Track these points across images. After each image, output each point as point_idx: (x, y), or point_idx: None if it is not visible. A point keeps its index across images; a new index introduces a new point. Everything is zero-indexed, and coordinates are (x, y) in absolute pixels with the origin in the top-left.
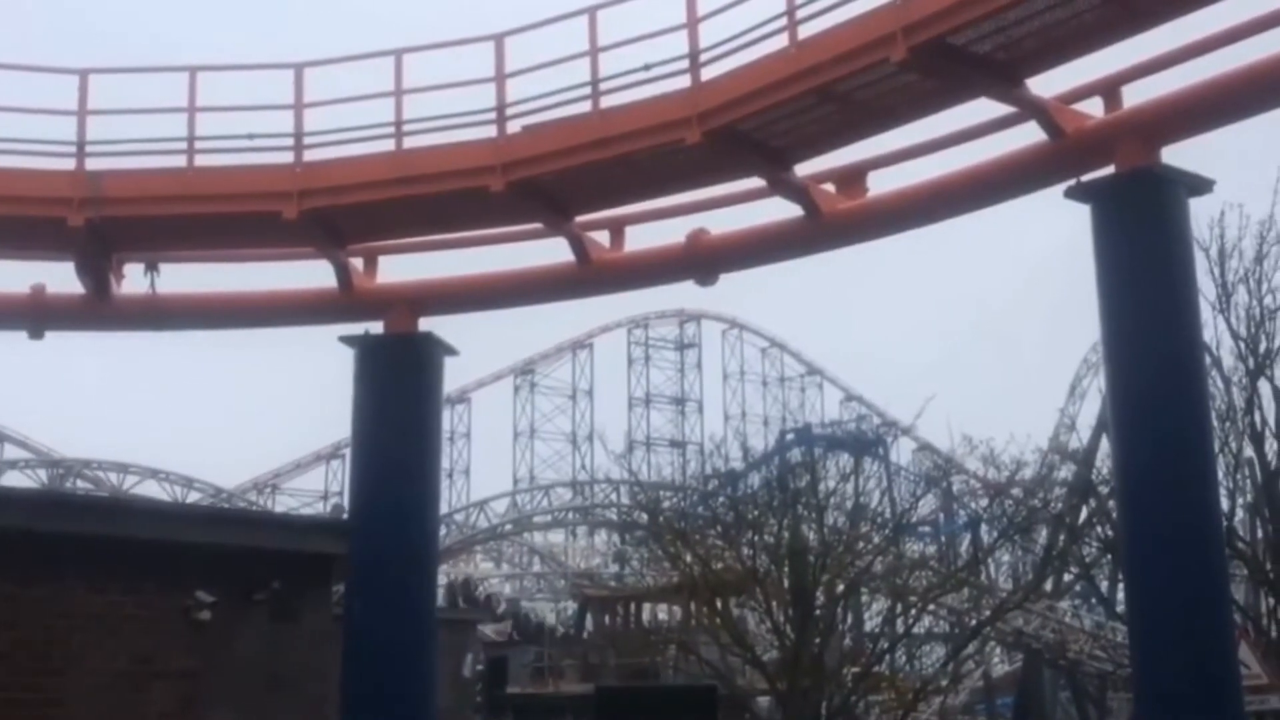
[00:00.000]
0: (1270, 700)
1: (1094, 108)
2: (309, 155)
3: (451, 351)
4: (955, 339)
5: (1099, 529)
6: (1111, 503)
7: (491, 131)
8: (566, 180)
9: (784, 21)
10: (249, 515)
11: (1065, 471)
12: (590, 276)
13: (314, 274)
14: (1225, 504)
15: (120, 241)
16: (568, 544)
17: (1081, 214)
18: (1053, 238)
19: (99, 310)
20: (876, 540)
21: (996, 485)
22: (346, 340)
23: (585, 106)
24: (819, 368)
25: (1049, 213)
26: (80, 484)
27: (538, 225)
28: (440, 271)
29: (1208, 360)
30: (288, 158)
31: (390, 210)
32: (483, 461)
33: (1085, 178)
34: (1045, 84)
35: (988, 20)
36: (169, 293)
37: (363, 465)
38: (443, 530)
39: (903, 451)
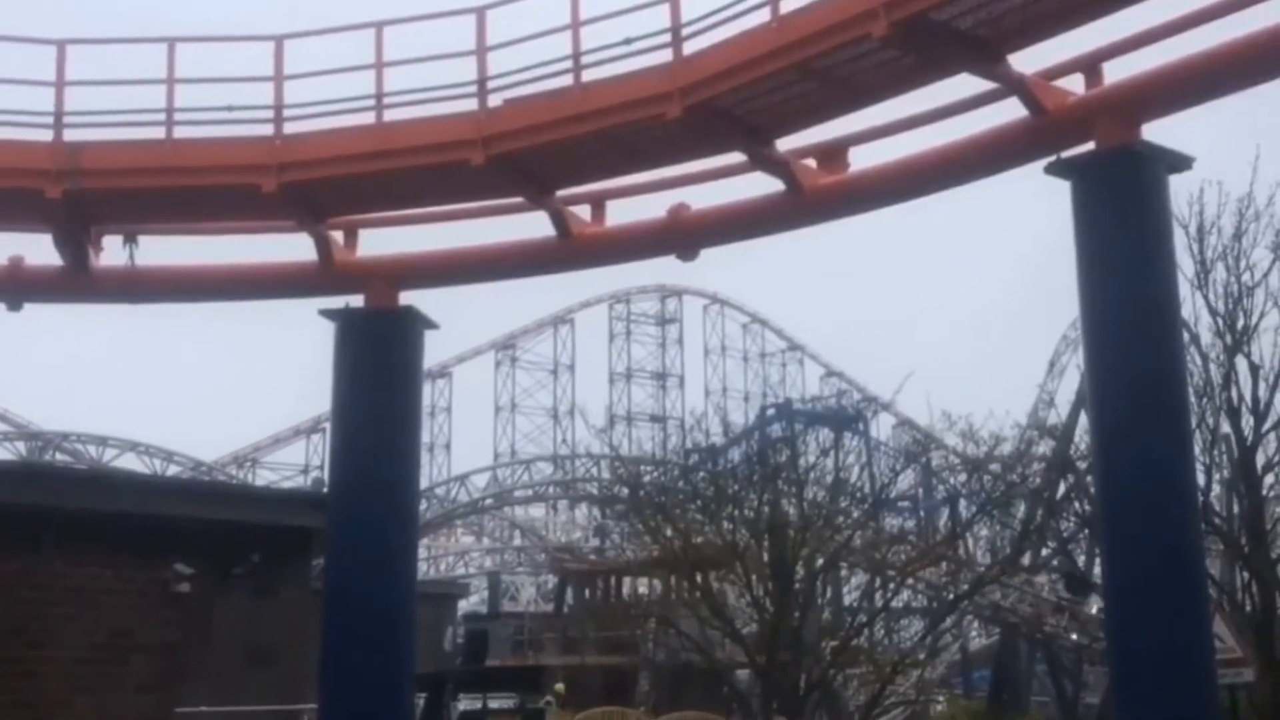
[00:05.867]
0: (1244, 674)
1: (1075, 84)
2: (289, 128)
3: (432, 325)
4: (940, 317)
5: (1076, 504)
6: (1089, 478)
7: (472, 105)
8: (547, 154)
9: None
10: (228, 489)
11: (1043, 447)
12: (571, 251)
13: (294, 247)
14: (1202, 479)
15: (99, 213)
16: (548, 518)
17: (1066, 195)
18: (1037, 219)
19: (77, 282)
20: (856, 515)
21: (975, 460)
22: (327, 314)
23: (567, 80)
24: (800, 343)
25: (1039, 193)
26: (59, 457)
27: (519, 199)
28: (421, 245)
29: (1186, 336)
30: (267, 130)
31: (370, 184)
32: (463, 436)
33: (1066, 154)
34: (1026, 60)
35: None
36: (148, 265)
37: (343, 439)
38: (423, 504)
39: (882, 427)
